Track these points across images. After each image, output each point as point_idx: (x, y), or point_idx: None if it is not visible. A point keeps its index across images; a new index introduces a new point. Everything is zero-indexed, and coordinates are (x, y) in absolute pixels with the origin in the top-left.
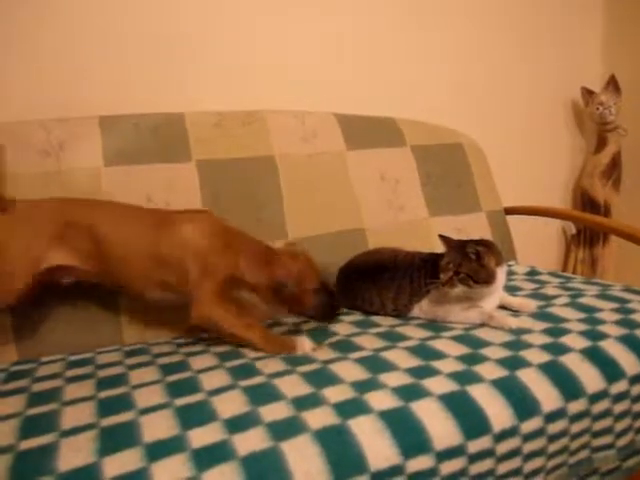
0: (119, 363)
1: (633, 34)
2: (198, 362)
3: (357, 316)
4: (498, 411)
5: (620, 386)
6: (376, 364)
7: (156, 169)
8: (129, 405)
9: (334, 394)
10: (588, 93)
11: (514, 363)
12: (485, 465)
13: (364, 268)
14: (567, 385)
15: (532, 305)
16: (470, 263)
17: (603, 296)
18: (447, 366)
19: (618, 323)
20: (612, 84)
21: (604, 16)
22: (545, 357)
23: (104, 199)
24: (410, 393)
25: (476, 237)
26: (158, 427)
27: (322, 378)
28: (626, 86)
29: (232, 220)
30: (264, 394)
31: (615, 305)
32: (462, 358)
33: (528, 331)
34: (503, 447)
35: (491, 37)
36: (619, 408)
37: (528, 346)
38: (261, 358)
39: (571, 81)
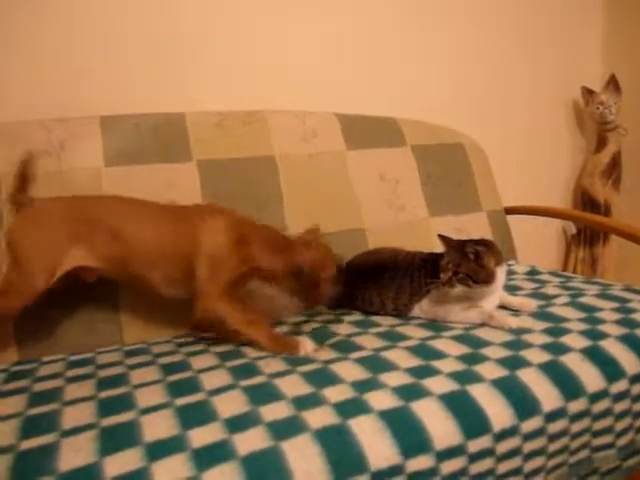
0: (119, 363)
1: (633, 34)
2: (199, 362)
3: (357, 316)
4: (498, 411)
5: (620, 385)
6: (376, 364)
7: (156, 169)
8: (129, 405)
9: (334, 394)
10: (588, 93)
11: (514, 363)
12: (485, 465)
13: (364, 268)
14: (567, 385)
15: (532, 305)
16: (469, 263)
17: (603, 296)
18: (447, 366)
19: (618, 323)
20: (612, 84)
21: (604, 16)
22: (545, 357)
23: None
24: (410, 393)
25: (476, 237)
26: (158, 427)
27: (322, 378)
28: (626, 86)
29: None
30: (264, 394)
31: (615, 305)
32: (462, 358)
33: (528, 331)
34: (503, 447)
35: (491, 37)
36: (619, 407)
37: (528, 346)
38: (262, 358)
39: (571, 81)
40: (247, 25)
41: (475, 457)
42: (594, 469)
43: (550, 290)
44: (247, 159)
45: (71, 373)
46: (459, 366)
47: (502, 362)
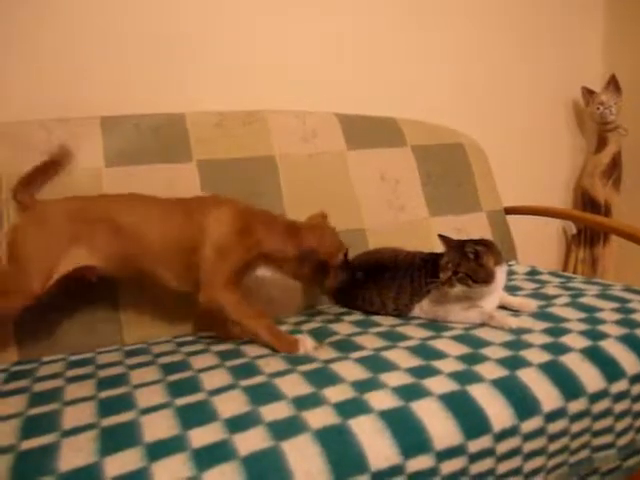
0: (119, 363)
1: (633, 34)
2: (199, 361)
3: (358, 316)
4: (498, 411)
5: (620, 385)
6: (377, 364)
7: (157, 169)
8: (130, 405)
9: (335, 394)
10: (589, 93)
11: (514, 363)
12: (485, 465)
13: (364, 268)
14: (567, 385)
15: (532, 305)
16: (469, 263)
17: (603, 296)
18: (447, 366)
19: (618, 323)
20: (612, 84)
21: (605, 16)
22: (545, 357)
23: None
24: (410, 393)
25: (476, 237)
26: (159, 427)
27: (323, 378)
28: (626, 86)
29: None
30: (265, 394)
31: (615, 305)
32: (462, 358)
33: (528, 331)
34: (503, 447)
35: (491, 37)
36: (619, 407)
37: (528, 346)
38: (262, 357)
39: (571, 81)
40: (247, 25)
41: (475, 457)
42: (594, 469)
43: (550, 290)
44: (247, 159)
45: (71, 373)
46: (459, 366)
47: (502, 362)
